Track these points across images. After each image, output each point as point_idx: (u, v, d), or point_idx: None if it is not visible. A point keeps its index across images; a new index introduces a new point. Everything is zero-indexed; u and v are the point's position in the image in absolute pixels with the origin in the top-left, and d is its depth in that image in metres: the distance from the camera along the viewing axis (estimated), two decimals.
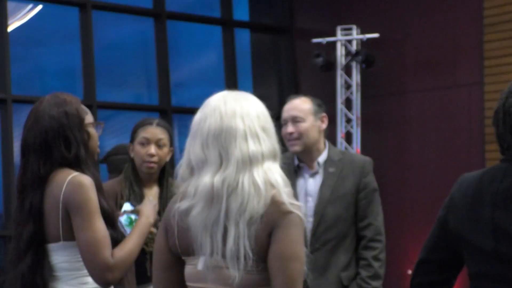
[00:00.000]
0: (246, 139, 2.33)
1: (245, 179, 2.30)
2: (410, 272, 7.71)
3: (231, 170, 2.31)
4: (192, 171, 2.37)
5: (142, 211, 3.21)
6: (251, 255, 2.28)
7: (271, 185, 2.32)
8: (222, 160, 2.32)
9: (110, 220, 2.93)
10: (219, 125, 2.34)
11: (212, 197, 2.31)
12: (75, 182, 2.82)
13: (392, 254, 6.96)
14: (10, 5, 7.42)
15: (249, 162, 2.32)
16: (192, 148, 2.37)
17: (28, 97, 7.32)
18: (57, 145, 2.87)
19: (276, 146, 2.40)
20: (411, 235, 7.96)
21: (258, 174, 2.31)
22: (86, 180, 2.83)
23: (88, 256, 2.80)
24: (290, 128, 4.00)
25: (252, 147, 2.33)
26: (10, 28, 7.43)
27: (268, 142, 2.37)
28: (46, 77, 8.25)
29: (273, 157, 2.37)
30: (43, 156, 2.88)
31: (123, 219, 3.49)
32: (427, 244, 2.60)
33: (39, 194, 2.87)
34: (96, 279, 2.84)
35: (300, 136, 3.99)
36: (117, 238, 2.93)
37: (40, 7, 7.93)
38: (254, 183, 2.30)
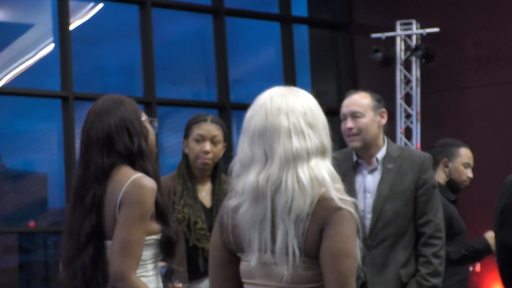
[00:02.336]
0: (290, 136, 2.31)
1: (288, 177, 2.28)
2: (471, 269, 7.61)
3: (275, 168, 2.29)
4: (243, 168, 2.37)
5: None
6: (298, 252, 2.26)
7: (318, 182, 2.29)
8: (267, 158, 2.31)
9: (164, 216, 2.91)
10: (264, 123, 2.33)
11: (258, 195, 2.30)
12: (137, 183, 2.82)
13: None
14: (71, 4, 7.53)
15: (293, 159, 2.29)
16: (242, 146, 2.38)
17: (89, 94, 7.42)
18: (120, 136, 2.89)
19: (326, 142, 2.36)
20: (471, 231, 7.84)
21: (303, 171, 2.29)
22: (149, 183, 2.83)
23: (114, 253, 2.79)
24: (349, 123, 3.96)
25: (296, 144, 2.30)
26: (71, 27, 7.54)
27: (315, 138, 2.33)
28: (107, 74, 8.35)
29: (321, 153, 2.34)
30: (106, 148, 2.89)
31: None
32: None
33: (103, 187, 2.87)
34: (110, 279, 2.82)
35: (360, 131, 3.95)
36: (169, 235, 2.90)
37: (101, 5, 8.04)
38: (299, 181, 2.28)
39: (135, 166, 2.90)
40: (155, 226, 2.89)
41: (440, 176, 4.86)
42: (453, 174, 4.90)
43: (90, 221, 2.86)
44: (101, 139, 2.90)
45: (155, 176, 2.90)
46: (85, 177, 2.91)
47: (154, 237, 2.88)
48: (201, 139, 3.92)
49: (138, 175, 2.85)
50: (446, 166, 4.89)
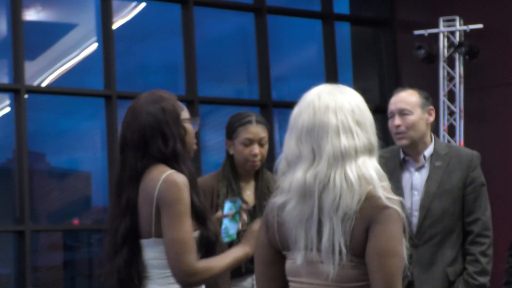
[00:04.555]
0: (338, 134, 2.30)
1: (336, 175, 2.27)
2: None
3: (323, 166, 2.28)
4: (289, 166, 2.36)
5: (244, 240, 3.06)
6: (345, 251, 2.25)
7: (365, 180, 2.28)
8: (315, 156, 2.31)
9: (202, 218, 2.92)
10: (312, 120, 2.32)
11: (305, 193, 2.29)
12: (170, 180, 2.82)
13: (496, 250, 6.79)
14: (115, 3, 7.59)
15: (341, 157, 2.28)
16: (288, 143, 2.37)
17: (132, 93, 7.45)
18: (154, 140, 2.89)
19: (373, 141, 2.35)
20: None
21: (351, 169, 2.28)
22: (181, 179, 2.83)
23: (172, 256, 2.80)
24: (397, 121, 3.93)
25: (345, 142, 2.29)
26: (114, 26, 7.59)
27: (363, 136, 2.32)
28: (150, 73, 8.40)
29: (368, 151, 2.33)
30: (141, 151, 2.89)
31: (226, 220, 3.44)
32: None
33: (136, 189, 2.89)
34: (176, 279, 2.84)
35: (408, 129, 3.91)
36: (208, 237, 2.91)
37: (143, 4, 8.09)
38: (347, 179, 2.27)
39: (170, 168, 2.90)
40: (192, 223, 2.89)
41: None
42: None
43: (125, 224, 2.89)
44: (136, 141, 2.91)
45: (191, 177, 2.90)
46: (121, 177, 2.93)
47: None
48: (249, 143, 3.90)
49: (169, 172, 2.85)
50: None
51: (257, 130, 3.91)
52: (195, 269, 2.80)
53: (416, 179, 3.96)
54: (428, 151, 3.97)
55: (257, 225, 2.98)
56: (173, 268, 2.82)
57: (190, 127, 2.99)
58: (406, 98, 3.96)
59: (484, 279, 3.88)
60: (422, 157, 3.96)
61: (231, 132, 3.95)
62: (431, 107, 4.00)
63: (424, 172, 3.96)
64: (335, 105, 2.33)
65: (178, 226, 2.80)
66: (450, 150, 3.99)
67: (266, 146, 3.95)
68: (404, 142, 3.93)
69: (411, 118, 3.92)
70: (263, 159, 3.94)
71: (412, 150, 3.97)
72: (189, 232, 2.81)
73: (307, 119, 2.33)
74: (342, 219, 2.26)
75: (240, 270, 3.87)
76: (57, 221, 7.86)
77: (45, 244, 7.79)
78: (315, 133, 2.31)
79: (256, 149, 3.89)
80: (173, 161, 2.90)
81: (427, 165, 3.96)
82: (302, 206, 2.30)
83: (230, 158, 3.97)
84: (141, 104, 2.94)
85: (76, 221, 8.00)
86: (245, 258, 2.97)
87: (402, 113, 3.93)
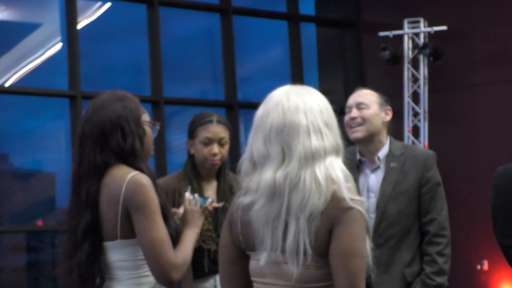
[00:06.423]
0: (309, 134, 2.32)
1: (307, 175, 2.29)
2: (479, 267, 7.60)
3: (293, 166, 2.30)
4: (255, 166, 2.36)
5: (186, 221, 3.17)
6: (310, 251, 2.27)
7: (332, 180, 2.30)
8: (285, 156, 2.32)
9: (164, 215, 2.92)
10: (282, 121, 2.33)
11: (274, 192, 2.30)
12: (136, 182, 2.82)
13: (460, 250, 6.86)
14: (79, 3, 7.54)
15: (312, 157, 2.30)
16: (255, 143, 2.37)
17: (96, 93, 7.36)
18: (114, 134, 2.88)
19: (339, 141, 2.38)
20: (480, 230, 7.83)
21: (320, 169, 2.30)
22: (146, 180, 2.84)
23: (154, 256, 2.80)
24: (353, 112, 3.92)
25: (315, 142, 2.32)
26: (79, 26, 7.55)
27: (331, 137, 2.35)
28: (115, 73, 8.37)
29: (335, 152, 2.35)
30: (99, 145, 2.88)
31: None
32: None
33: (96, 184, 2.87)
34: (161, 279, 2.83)
35: (363, 121, 3.90)
36: (170, 234, 2.91)
37: (108, 4, 8.05)
38: (316, 179, 2.29)
39: (129, 166, 2.90)
40: None
41: None
42: None
43: (86, 219, 2.87)
44: (95, 134, 2.89)
45: (150, 176, 2.90)
46: (80, 172, 2.91)
47: None
48: (208, 142, 3.90)
49: (133, 173, 2.85)
50: None
51: (217, 129, 3.91)
52: (177, 264, 2.83)
53: (372, 180, 3.96)
54: (382, 152, 3.97)
55: (194, 205, 3.18)
56: (155, 269, 2.82)
57: (149, 131, 2.99)
58: (365, 94, 3.98)
59: (441, 279, 3.88)
60: (376, 158, 3.97)
61: (192, 132, 3.96)
62: (389, 107, 4.01)
63: (380, 174, 3.95)
64: (305, 105, 2.34)
65: (153, 226, 2.80)
66: (406, 150, 3.99)
67: (227, 147, 3.95)
68: (359, 134, 3.92)
69: (368, 112, 3.92)
70: (223, 159, 3.94)
71: (366, 147, 3.96)
72: (164, 230, 2.83)
73: (276, 119, 2.34)
74: (308, 219, 2.27)
75: (203, 270, 3.87)
76: (20, 222, 7.80)
77: (9, 246, 7.73)
78: (285, 133, 2.32)
79: (215, 148, 3.89)
80: (132, 158, 2.90)
81: (382, 166, 3.96)
82: (270, 206, 2.31)
83: (191, 158, 3.97)
84: (103, 100, 2.94)
85: (40, 222, 7.94)
86: (196, 235, 3.07)
87: (359, 107, 3.94)
